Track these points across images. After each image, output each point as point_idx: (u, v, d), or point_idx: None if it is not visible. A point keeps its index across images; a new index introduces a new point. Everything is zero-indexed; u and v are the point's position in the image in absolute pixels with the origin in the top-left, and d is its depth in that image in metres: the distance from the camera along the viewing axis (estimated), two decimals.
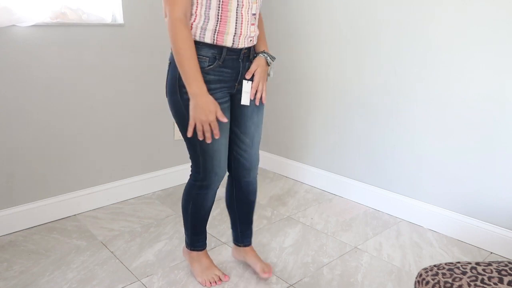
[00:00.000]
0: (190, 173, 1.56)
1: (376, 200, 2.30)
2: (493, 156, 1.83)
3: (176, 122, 1.46)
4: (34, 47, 1.98)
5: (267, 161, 2.89)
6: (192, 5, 1.31)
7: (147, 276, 1.73)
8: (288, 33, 2.56)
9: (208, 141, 1.37)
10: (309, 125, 2.58)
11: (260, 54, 1.50)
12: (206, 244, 1.70)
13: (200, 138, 1.36)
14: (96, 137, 2.26)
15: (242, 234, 1.73)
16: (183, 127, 1.43)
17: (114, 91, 2.28)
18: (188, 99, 1.35)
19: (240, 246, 1.75)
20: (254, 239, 2.00)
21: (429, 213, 2.08)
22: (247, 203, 1.68)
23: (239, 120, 1.53)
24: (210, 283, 1.65)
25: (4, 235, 2.03)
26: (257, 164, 1.64)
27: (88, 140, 2.24)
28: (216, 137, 1.37)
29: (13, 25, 1.89)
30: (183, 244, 1.85)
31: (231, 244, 1.81)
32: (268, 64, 1.52)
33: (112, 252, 1.90)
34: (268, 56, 1.51)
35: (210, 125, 1.34)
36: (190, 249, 1.69)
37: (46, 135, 2.10)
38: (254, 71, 1.47)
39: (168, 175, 2.59)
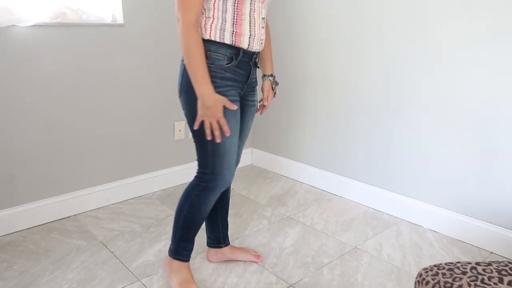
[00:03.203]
0: (196, 174, 1.54)
1: (376, 200, 2.30)
2: (493, 156, 1.83)
3: (188, 121, 1.47)
4: (34, 47, 1.98)
5: (267, 161, 2.89)
6: (209, 10, 1.37)
7: (147, 276, 1.73)
8: (289, 33, 2.56)
9: (218, 139, 1.39)
10: (310, 125, 2.58)
11: (269, 78, 1.65)
12: (190, 256, 1.63)
13: (209, 137, 1.39)
14: (96, 137, 2.26)
15: (224, 234, 1.77)
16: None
17: (114, 91, 2.28)
18: None
19: (221, 247, 1.77)
20: (254, 239, 2.01)
21: (429, 213, 2.08)
22: (227, 201, 1.75)
23: (240, 126, 1.56)
24: None
25: (4, 235, 2.03)
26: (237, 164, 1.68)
27: (88, 140, 2.24)
28: (227, 134, 1.40)
29: (13, 25, 1.89)
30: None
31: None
32: (272, 88, 1.67)
33: (112, 252, 1.90)
34: (274, 79, 1.66)
35: (218, 122, 1.38)
36: (173, 257, 1.61)
37: (46, 135, 2.10)
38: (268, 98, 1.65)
39: (168, 175, 2.59)
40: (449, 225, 2.01)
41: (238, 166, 1.67)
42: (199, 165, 1.51)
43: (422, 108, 2.02)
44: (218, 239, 1.76)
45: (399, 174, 2.18)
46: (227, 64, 1.41)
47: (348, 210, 2.31)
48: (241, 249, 1.82)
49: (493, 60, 1.75)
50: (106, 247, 1.94)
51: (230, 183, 1.56)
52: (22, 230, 2.08)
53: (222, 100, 1.38)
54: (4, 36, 1.89)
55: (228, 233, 1.80)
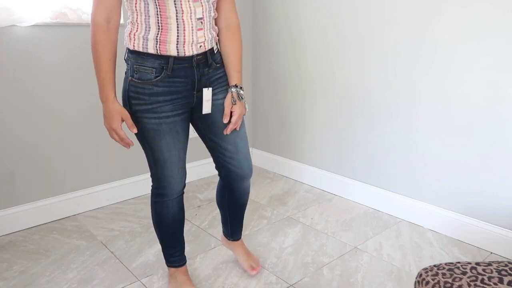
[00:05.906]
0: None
1: (376, 200, 2.30)
2: (493, 156, 1.83)
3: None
4: (34, 47, 1.98)
5: (267, 161, 2.89)
6: (133, 13, 1.27)
7: (147, 276, 1.73)
8: (289, 33, 2.56)
9: (127, 146, 1.34)
10: (309, 125, 2.58)
11: (232, 89, 1.44)
12: (183, 260, 1.61)
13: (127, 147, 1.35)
14: (96, 137, 2.26)
15: (232, 230, 1.73)
16: (139, 138, 1.40)
17: None
18: (136, 111, 1.33)
19: (230, 240, 1.76)
20: (254, 239, 2.00)
21: (429, 213, 2.08)
22: (239, 205, 1.66)
23: (212, 128, 1.47)
24: None
25: (4, 235, 2.03)
26: (251, 173, 1.56)
27: (88, 140, 2.24)
28: (127, 147, 1.34)
29: (13, 25, 1.89)
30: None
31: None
32: (240, 99, 1.44)
33: (112, 252, 1.90)
34: (241, 89, 1.45)
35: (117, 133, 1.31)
36: (167, 265, 1.61)
37: (46, 135, 2.10)
38: (232, 112, 1.43)
39: None
40: (449, 225, 2.01)
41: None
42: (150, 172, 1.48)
43: (422, 108, 2.02)
44: (227, 232, 1.75)
45: (399, 174, 2.18)
46: (156, 77, 1.29)
47: (348, 210, 2.31)
48: (244, 251, 1.75)
49: (493, 60, 1.75)
50: (106, 247, 1.94)
51: (181, 189, 1.48)
52: (22, 230, 2.08)
53: (120, 112, 1.29)
54: (4, 36, 1.89)
55: (241, 231, 1.74)
